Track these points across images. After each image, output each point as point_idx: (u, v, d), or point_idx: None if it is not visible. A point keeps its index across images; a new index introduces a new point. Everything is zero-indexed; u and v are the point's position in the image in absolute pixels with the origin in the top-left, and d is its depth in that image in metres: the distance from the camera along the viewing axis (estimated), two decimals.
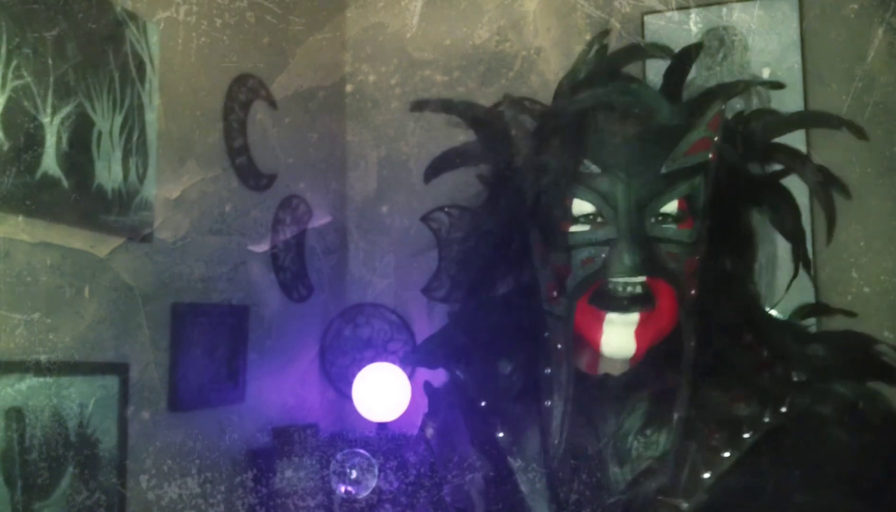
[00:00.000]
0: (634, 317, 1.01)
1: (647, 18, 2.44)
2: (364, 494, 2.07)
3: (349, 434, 2.35)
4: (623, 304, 1.01)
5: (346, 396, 2.44)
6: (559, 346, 1.04)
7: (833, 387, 1.05)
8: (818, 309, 1.33)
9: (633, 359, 1.04)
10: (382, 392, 2.31)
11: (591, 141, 1.04)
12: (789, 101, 2.29)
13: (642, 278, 1.01)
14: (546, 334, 1.07)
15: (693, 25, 2.41)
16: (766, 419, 1.01)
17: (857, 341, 1.13)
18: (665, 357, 1.04)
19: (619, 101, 1.07)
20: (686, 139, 1.04)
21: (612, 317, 1.02)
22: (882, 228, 2.20)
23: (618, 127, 1.04)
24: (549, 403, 1.05)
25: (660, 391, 1.05)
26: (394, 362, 2.43)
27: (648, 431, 1.05)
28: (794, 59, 2.30)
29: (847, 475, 0.98)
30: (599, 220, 1.03)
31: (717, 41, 2.39)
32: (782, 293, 1.24)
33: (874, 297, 2.19)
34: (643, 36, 2.42)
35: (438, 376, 1.40)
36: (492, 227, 1.18)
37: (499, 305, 1.17)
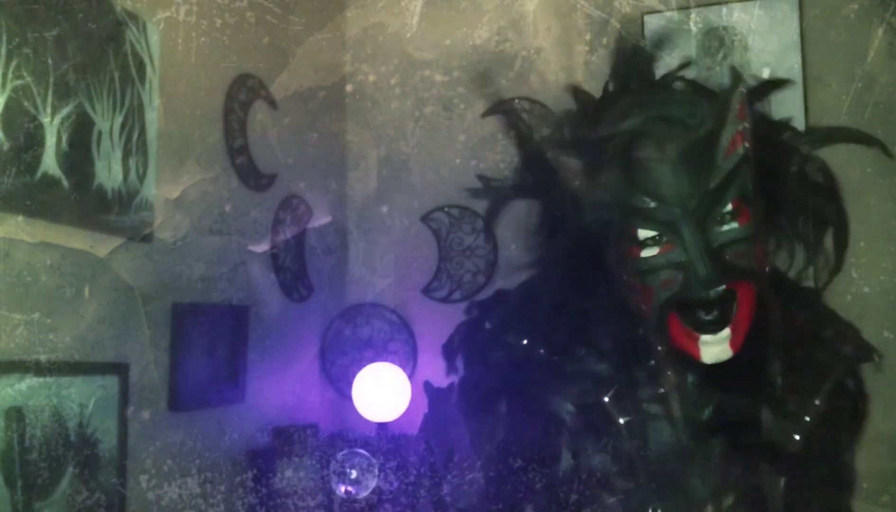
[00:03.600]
0: (726, 333, 1.11)
1: (647, 18, 2.44)
2: (364, 494, 2.07)
3: (349, 434, 2.35)
4: (712, 325, 1.10)
5: (346, 396, 2.45)
6: (660, 348, 1.15)
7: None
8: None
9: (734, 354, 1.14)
10: (382, 392, 2.31)
11: (638, 175, 1.12)
12: (789, 101, 2.29)
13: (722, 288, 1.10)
14: (641, 332, 1.17)
15: (693, 25, 2.41)
16: (826, 388, 1.15)
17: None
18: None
19: (658, 129, 1.13)
20: (722, 142, 1.11)
21: (706, 338, 1.11)
22: (882, 228, 2.20)
23: (660, 152, 1.11)
24: (664, 390, 1.16)
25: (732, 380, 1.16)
26: (394, 362, 2.44)
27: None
28: (794, 59, 2.30)
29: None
30: (665, 242, 1.11)
31: (717, 41, 2.39)
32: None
33: (874, 297, 2.19)
34: (643, 36, 2.42)
35: (438, 374, 1.41)
36: (558, 255, 1.26)
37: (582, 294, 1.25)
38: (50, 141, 1.61)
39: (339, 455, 2.12)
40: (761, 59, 2.34)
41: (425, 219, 2.57)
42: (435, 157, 2.59)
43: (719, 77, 2.38)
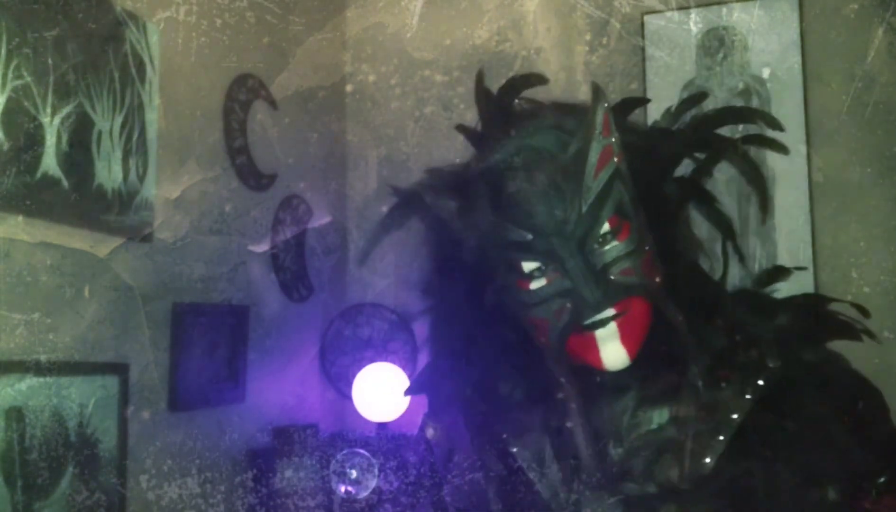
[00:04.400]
0: (613, 327, 1.09)
1: (647, 18, 2.44)
2: (364, 494, 2.07)
3: (349, 434, 2.35)
4: (604, 322, 1.09)
5: (346, 396, 2.45)
6: (562, 380, 1.13)
7: (801, 354, 1.14)
8: (778, 272, 1.37)
9: (631, 359, 1.11)
10: (382, 392, 2.31)
11: (510, 209, 1.11)
12: (789, 101, 2.30)
13: (611, 311, 1.09)
14: (547, 366, 1.15)
15: (693, 25, 2.41)
16: (749, 396, 1.09)
17: (815, 303, 1.24)
18: (653, 349, 1.13)
19: (523, 159, 1.13)
20: (590, 162, 1.10)
21: (601, 334, 1.10)
22: (882, 228, 2.20)
23: (527, 184, 1.11)
24: (571, 424, 1.13)
25: (648, 376, 1.14)
26: (394, 362, 2.44)
27: (640, 412, 1.14)
28: (794, 59, 2.30)
29: (821, 437, 1.09)
30: (550, 271, 1.10)
31: (717, 41, 2.39)
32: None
33: (874, 297, 2.19)
34: (643, 36, 2.42)
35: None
36: (452, 302, 1.25)
37: (491, 333, 1.23)
38: (50, 141, 1.61)
39: (339, 455, 2.12)
40: (761, 59, 2.34)
41: None
42: (435, 157, 2.58)
43: (719, 77, 2.39)
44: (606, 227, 1.10)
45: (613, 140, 1.12)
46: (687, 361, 1.11)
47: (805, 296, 1.25)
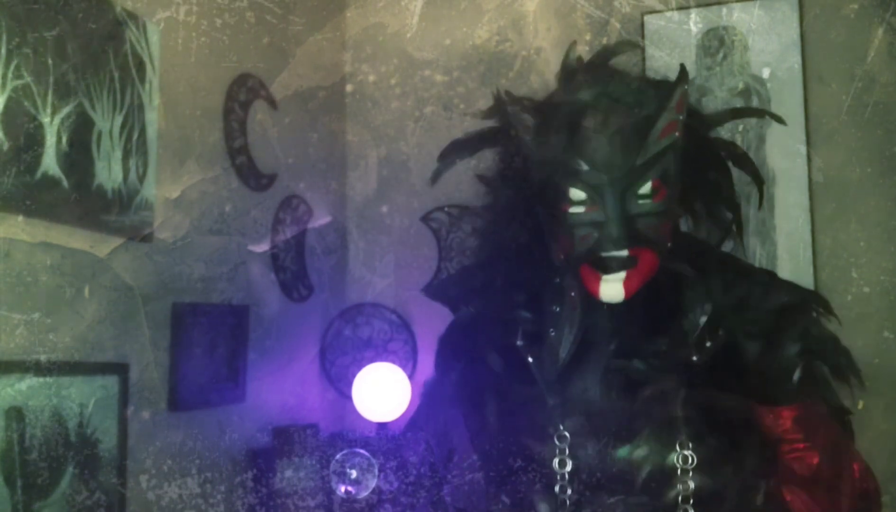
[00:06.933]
0: (622, 274, 1.30)
1: (647, 18, 2.44)
2: (364, 494, 2.07)
3: (349, 434, 2.35)
4: (613, 267, 1.31)
5: (346, 396, 2.44)
6: (573, 294, 1.35)
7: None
8: None
9: (626, 298, 1.33)
10: (382, 392, 2.31)
11: (580, 140, 1.29)
12: (789, 101, 2.30)
13: (625, 253, 1.29)
14: (556, 280, 1.38)
15: (693, 25, 2.41)
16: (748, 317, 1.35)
17: (774, 275, 1.53)
18: (650, 291, 1.35)
19: (605, 105, 1.30)
20: (657, 127, 1.28)
21: (606, 277, 1.30)
22: (882, 228, 2.20)
23: (602, 125, 1.28)
24: (554, 332, 1.35)
25: (647, 310, 1.36)
26: (394, 362, 2.43)
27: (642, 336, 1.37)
28: (794, 59, 2.30)
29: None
30: (591, 203, 1.29)
31: (717, 41, 2.39)
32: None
33: (874, 297, 2.19)
34: (643, 36, 2.42)
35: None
36: (505, 202, 1.46)
37: (511, 256, 1.46)
38: (50, 141, 1.61)
39: (339, 455, 2.12)
40: (761, 59, 2.34)
41: (425, 219, 2.57)
42: (435, 157, 2.58)
43: (719, 77, 2.38)
44: (649, 185, 1.28)
45: (681, 118, 1.31)
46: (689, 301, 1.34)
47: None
